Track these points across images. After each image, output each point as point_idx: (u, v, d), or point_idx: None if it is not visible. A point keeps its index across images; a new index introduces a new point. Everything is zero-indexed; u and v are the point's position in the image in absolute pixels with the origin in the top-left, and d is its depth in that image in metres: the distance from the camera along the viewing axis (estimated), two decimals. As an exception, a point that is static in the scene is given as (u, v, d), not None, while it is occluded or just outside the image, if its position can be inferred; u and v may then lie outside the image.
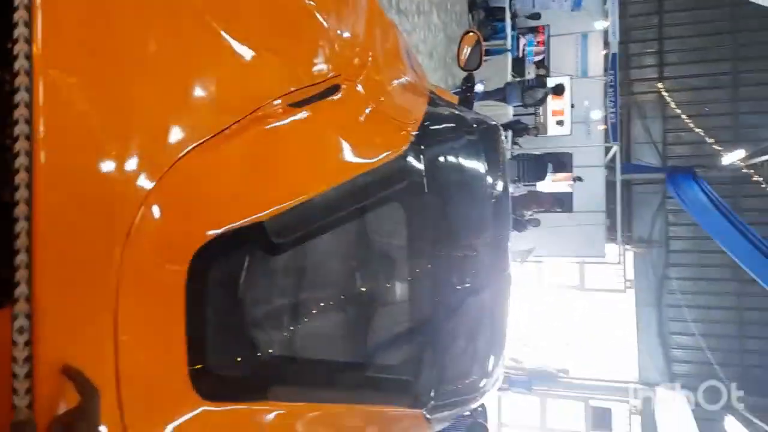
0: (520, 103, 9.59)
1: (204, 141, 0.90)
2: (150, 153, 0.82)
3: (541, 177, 9.54)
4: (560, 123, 10.41)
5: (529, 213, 9.24)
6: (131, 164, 0.79)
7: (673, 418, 10.46)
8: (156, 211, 0.82)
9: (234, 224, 0.89)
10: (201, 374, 0.86)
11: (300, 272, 1.11)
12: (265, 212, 0.93)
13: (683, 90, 12.28)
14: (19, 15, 0.67)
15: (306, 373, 1.10)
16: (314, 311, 1.16)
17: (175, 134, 0.87)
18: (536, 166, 9.24)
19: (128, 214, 0.78)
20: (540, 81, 10.11)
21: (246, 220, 0.90)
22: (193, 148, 0.88)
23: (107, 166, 0.76)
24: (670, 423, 10.44)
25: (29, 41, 0.68)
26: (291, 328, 1.10)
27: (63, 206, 0.71)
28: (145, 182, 0.80)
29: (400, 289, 1.36)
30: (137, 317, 0.78)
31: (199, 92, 0.92)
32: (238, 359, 0.96)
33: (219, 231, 0.87)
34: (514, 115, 10.73)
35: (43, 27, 0.69)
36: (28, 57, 0.68)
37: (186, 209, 0.87)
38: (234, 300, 0.94)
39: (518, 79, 10.11)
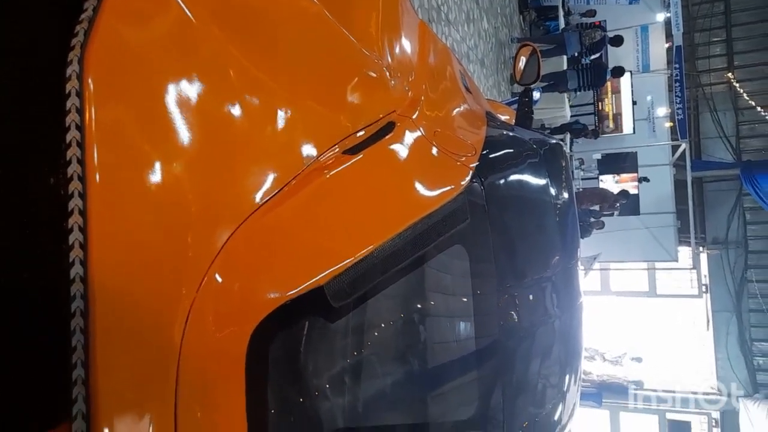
0: (580, 49, 9.37)
1: (263, 203, 0.86)
2: (202, 234, 0.77)
3: (601, 82, 9.36)
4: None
5: (593, 208, 8.86)
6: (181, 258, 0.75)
7: (759, 430, 9.85)
8: (217, 282, 0.77)
9: (302, 286, 0.83)
10: None
11: (362, 332, 1.04)
12: (331, 270, 0.87)
13: (756, 79, 11.54)
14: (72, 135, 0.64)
15: None
16: (385, 375, 1.09)
17: (234, 200, 0.83)
18: (596, 71, 8.95)
19: (185, 305, 0.74)
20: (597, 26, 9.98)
21: (314, 279, 0.84)
22: (253, 212, 0.84)
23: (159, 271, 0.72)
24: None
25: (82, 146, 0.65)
26: (356, 397, 1.03)
27: (118, 318, 0.67)
28: (200, 263, 0.76)
29: (469, 338, 1.26)
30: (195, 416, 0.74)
31: (256, 153, 0.88)
32: None
33: (292, 292, 0.81)
34: (572, 116, 10.40)
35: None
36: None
37: (250, 275, 0.82)
38: (299, 375, 0.88)
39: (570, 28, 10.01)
